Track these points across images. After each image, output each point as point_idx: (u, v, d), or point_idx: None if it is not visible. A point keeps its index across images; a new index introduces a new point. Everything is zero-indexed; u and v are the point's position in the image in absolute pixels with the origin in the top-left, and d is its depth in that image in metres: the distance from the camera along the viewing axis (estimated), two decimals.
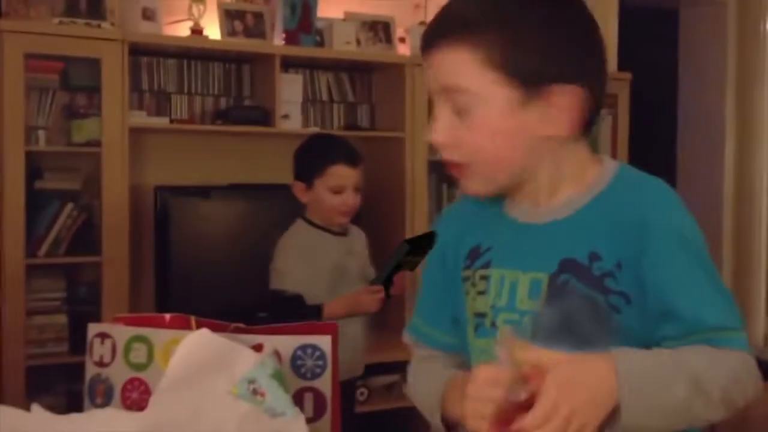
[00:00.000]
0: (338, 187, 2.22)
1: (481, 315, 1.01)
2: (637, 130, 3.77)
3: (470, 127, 0.93)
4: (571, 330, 0.81)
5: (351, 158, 2.25)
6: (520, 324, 0.95)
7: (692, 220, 0.96)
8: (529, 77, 0.91)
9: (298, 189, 2.29)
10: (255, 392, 0.97)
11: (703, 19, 4.31)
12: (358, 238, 2.37)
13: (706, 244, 0.96)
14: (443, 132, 0.95)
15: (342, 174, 2.23)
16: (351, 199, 2.24)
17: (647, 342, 0.91)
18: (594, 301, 0.91)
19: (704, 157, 4.26)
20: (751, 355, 0.92)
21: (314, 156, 2.27)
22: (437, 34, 0.95)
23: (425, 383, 1.08)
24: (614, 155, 3.52)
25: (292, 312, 2.15)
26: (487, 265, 1.01)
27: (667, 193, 0.97)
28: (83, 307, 2.87)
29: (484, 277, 1.01)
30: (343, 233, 2.31)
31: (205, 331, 1.11)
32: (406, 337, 1.15)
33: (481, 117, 0.92)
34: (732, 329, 0.92)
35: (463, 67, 0.92)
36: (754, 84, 4.33)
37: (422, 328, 1.13)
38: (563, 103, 0.93)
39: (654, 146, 4.00)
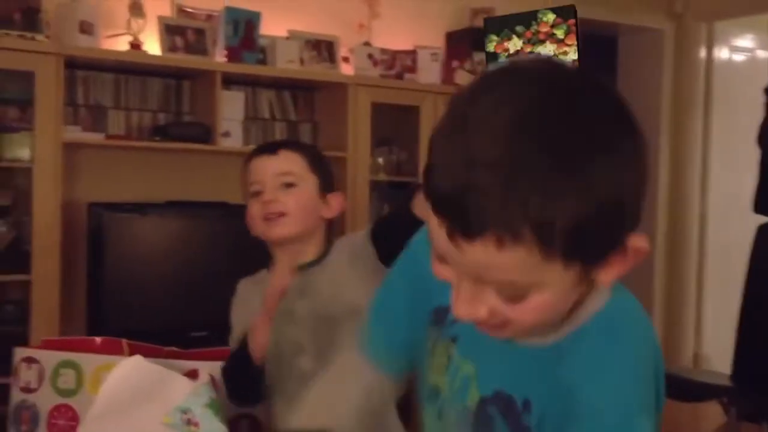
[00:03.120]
0: (255, 184, 1.50)
1: (436, 391, 0.92)
2: None
3: (524, 308, 0.77)
4: None
5: (266, 147, 1.56)
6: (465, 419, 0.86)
7: (634, 386, 0.77)
8: (592, 255, 0.76)
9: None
10: (189, 422, 0.94)
11: (641, 47, 4.44)
12: (327, 270, 1.52)
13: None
14: (484, 312, 0.77)
15: (255, 168, 1.51)
16: (270, 195, 1.48)
17: None
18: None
19: None
20: None
21: None
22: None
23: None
24: None
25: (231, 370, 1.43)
26: (454, 340, 0.90)
27: (610, 355, 0.79)
28: (10, 328, 2.76)
29: (449, 356, 0.90)
30: (302, 266, 1.52)
31: (138, 358, 1.08)
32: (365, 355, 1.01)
33: (539, 300, 0.76)
34: None
35: (524, 266, 0.73)
36: (688, 110, 4.47)
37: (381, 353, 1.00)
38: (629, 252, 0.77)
39: None
